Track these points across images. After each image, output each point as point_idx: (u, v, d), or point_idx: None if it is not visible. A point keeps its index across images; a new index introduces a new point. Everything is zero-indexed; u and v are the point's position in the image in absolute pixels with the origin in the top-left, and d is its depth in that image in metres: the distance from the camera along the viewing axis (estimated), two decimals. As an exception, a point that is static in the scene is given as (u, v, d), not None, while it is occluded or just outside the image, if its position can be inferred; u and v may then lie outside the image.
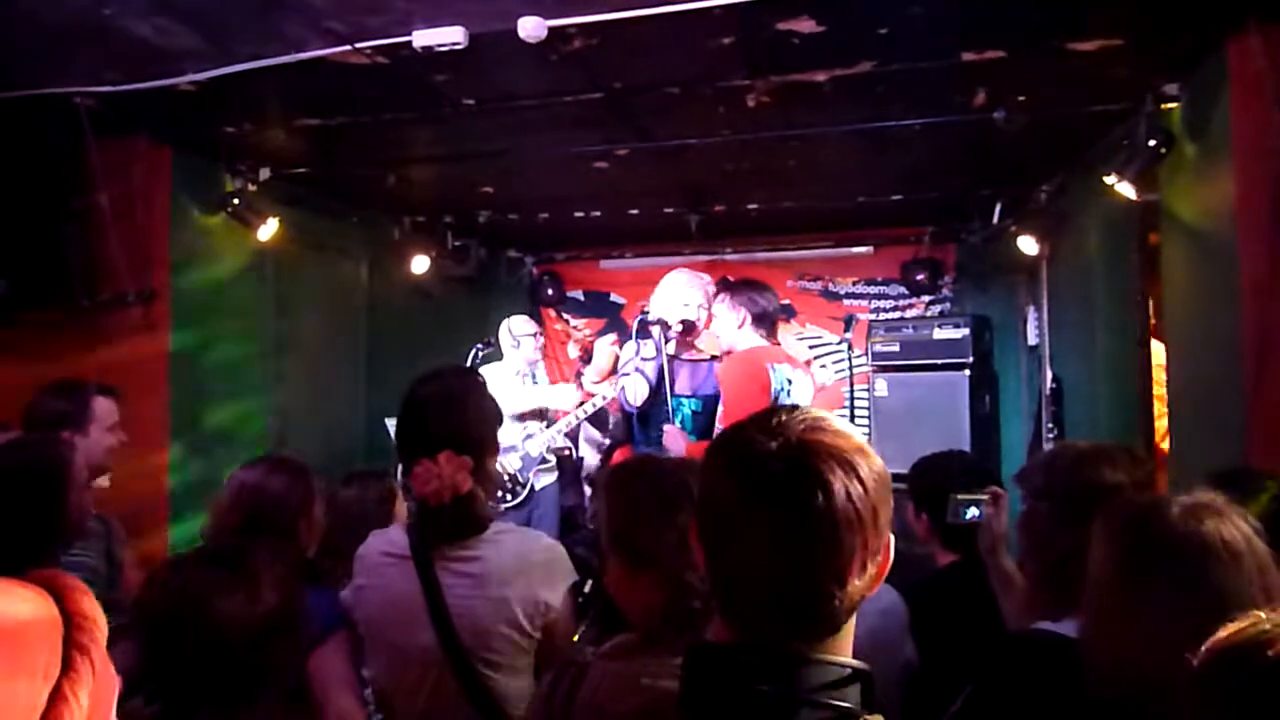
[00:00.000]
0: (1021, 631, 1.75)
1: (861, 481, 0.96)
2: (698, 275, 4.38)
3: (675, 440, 3.93)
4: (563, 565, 1.96)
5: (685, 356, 4.28)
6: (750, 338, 4.02)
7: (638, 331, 4.29)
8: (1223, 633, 0.97)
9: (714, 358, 4.30)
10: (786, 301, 6.89)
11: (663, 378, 4.08)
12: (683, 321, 4.16)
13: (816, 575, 0.95)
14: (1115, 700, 1.33)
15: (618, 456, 4.42)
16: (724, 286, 4.14)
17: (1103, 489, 1.66)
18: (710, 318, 4.23)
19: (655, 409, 4.15)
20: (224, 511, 2.24)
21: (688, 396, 4.10)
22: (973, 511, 2.28)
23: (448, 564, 1.90)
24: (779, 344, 4.18)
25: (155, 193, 4.14)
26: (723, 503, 0.98)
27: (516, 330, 5.27)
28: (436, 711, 1.87)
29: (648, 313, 4.24)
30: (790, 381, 3.97)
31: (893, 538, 1.01)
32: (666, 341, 4.09)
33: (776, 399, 3.83)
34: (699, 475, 1.06)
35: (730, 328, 4.05)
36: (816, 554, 0.94)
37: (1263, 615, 0.96)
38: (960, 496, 2.34)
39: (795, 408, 1.03)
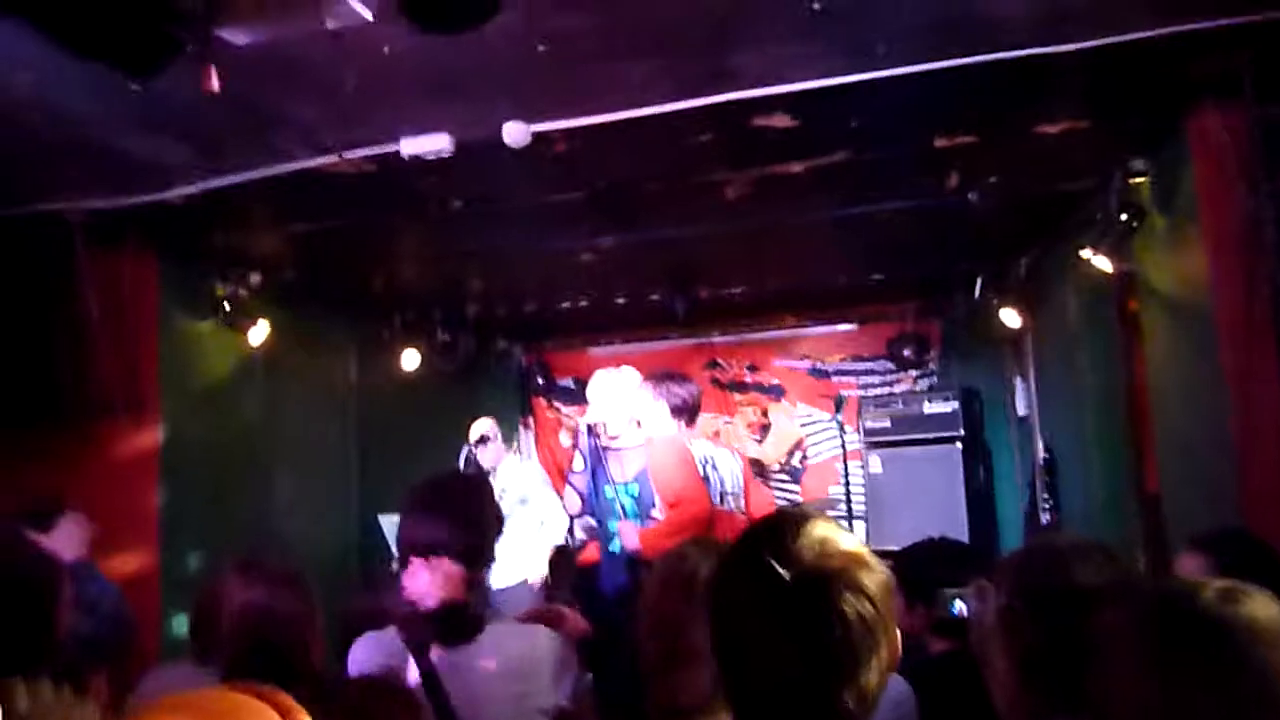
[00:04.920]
0: None
1: (870, 599, 1.05)
2: (621, 370, 4.49)
3: (630, 535, 4.03)
4: (568, 655, 1.97)
5: (626, 445, 4.38)
6: (669, 426, 4.19)
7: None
8: None
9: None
10: (776, 381, 6.93)
11: (594, 482, 4.23)
12: (589, 425, 4.33)
13: (838, 689, 1.03)
14: None
15: (586, 553, 4.59)
16: (647, 378, 4.32)
17: (1077, 590, 1.61)
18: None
19: (595, 509, 4.30)
20: (232, 636, 2.13)
21: (624, 483, 4.17)
22: (959, 605, 2.30)
23: (451, 666, 1.88)
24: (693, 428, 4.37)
25: (143, 302, 4.17)
26: (742, 624, 1.07)
27: (478, 432, 5.22)
28: None
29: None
30: (712, 457, 4.18)
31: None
32: (596, 441, 4.21)
33: (704, 473, 4.05)
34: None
35: (652, 416, 4.22)
36: (837, 673, 1.03)
37: None
38: (948, 591, 2.35)
39: (800, 523, 1.10)
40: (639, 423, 4.30)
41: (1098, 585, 1.60)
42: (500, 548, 4.84)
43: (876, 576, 1.07)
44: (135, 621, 3.55)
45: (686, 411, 4.21)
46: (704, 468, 4.05)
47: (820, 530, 1.10)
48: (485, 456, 5.13)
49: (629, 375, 4.40)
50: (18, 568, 2.10)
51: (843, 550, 1.08)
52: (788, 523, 1.12)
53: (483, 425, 5.24)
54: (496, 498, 4.73)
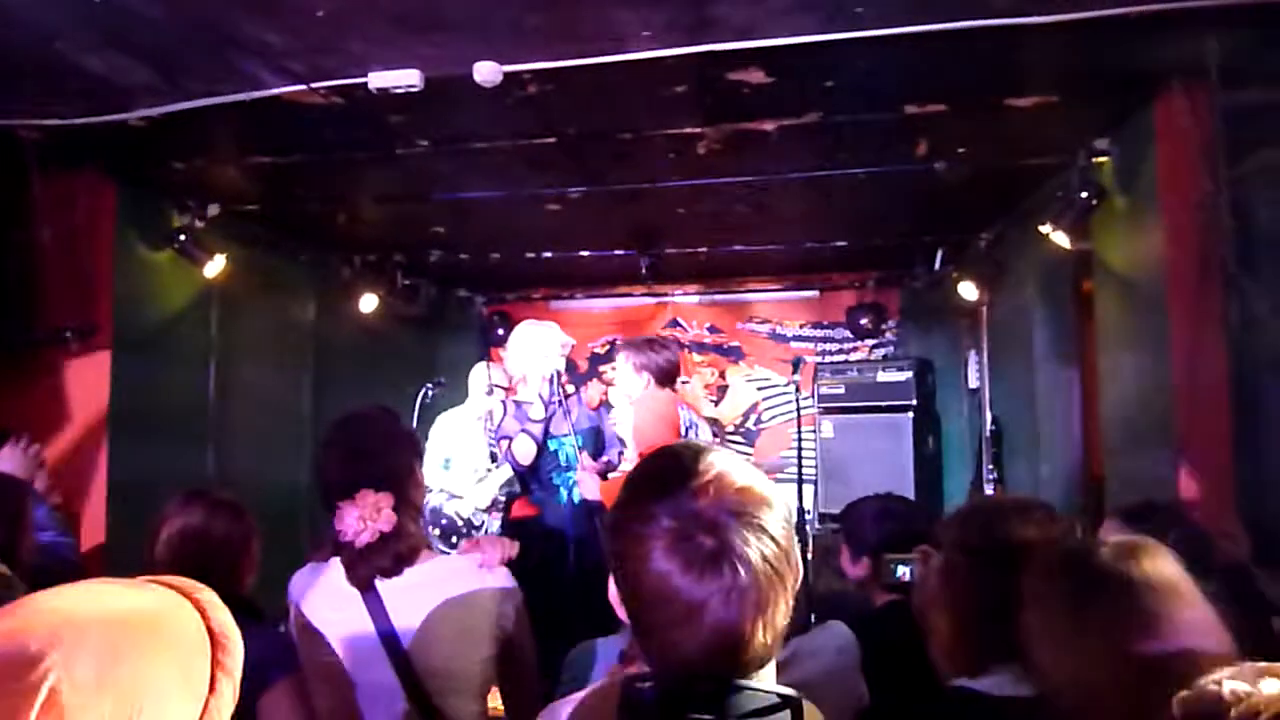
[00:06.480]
0: (943, 691, 1.76)
1: (772, 538, 1.02)
2: (546, 324, 4.42)
3: (589, 483, 3.98)
4: (509, 582, 1.98)
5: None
6: (656, 394, 4.12)
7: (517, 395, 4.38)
8: (1192, 691, 1.01)
9: (577, 391, 4.44)
10: (736, 344, 6.98)
11: (548, 432, 4.17)
12: (556, 371, 4.24)
13: (749, 629, 1.00)
14: None
15: (516, 509, 4.50)
16: (626, 347, 4.21)
17: (1017, 544, 1.66)
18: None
19: (541, 460, 4.25)
20: (166, 558, 2.16)
21: (566, 435, 4.16)
22: (902, 570, 2.36)
23: (394, 597, 1.90)
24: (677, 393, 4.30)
25: (99, 227, 4.08)
26: (642, 575, 1.02)
27: (499, 381, 5.19)
28: None
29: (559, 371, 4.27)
30: (697, 424, 4.17)
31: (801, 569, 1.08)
32: (562, 392, 4.17)
33: (685, 435, 3.98)
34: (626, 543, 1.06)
35: (636, 388, 4.12)
36: (746, 614, 0.99)
37: (1226, 675, 0.99)
38: (890, 556, 2.41)
39: (693, 462, 1.05)
40: (616, 389, 4.26)
41: (1037, 540, 1.65)
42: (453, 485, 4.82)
43: (776, 511, 1.04)
44: (79, 553, 3.51)
45: (673, 376, 4.16)
46: (686, 431, 4.04)
47: (715, 469, 1.05)
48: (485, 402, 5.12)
49: (551, 329, 4.35)
50: None
51: (739, 488, 1.04)
52: (680, 462, 1.07)
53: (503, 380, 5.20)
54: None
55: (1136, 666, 1.28)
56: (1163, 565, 1.36)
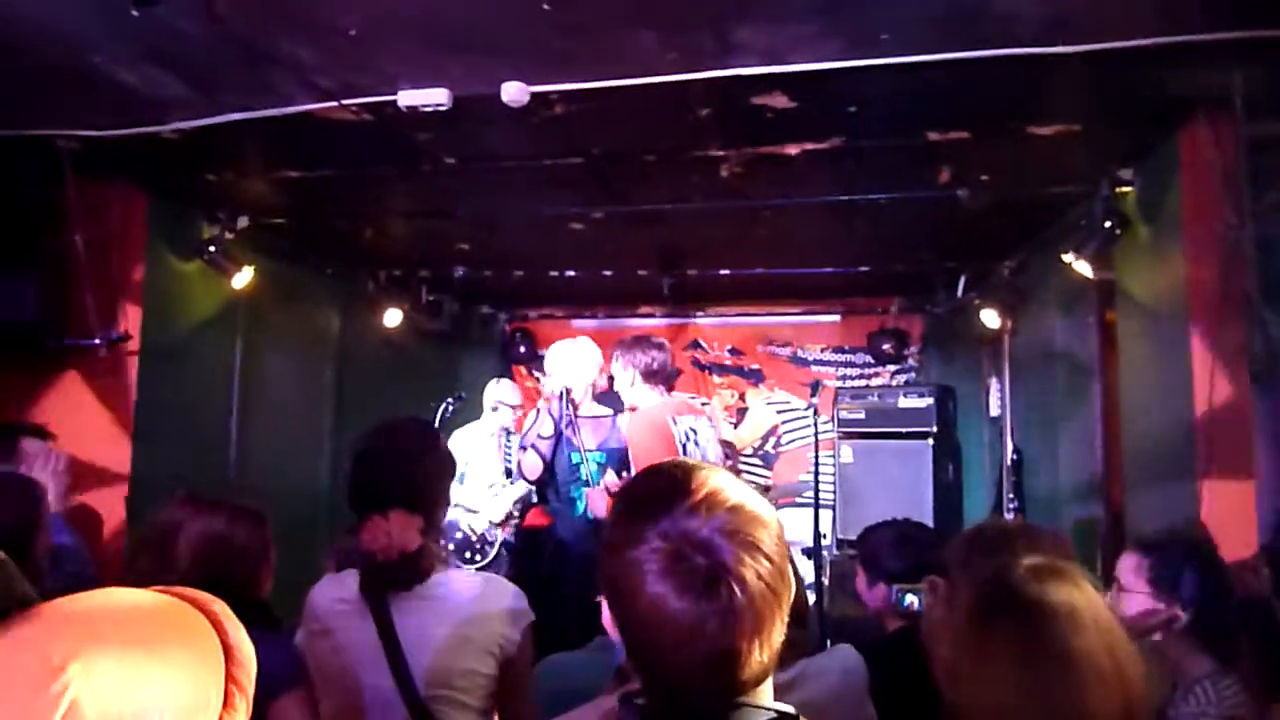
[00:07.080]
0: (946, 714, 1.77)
1: (766, 556, 1.01)
2: (579, 340, 4.44)
3: (598, 501, 4.00)
4: (520, 603, 2.00)
5: (587, 414, 4.36)
6: (645, 394, 4.12)
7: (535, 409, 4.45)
8: None
9: (616, 412, 4.46)
10: (756, 366, 6.98)
11: (556, 449, 4.22)
12: (565, 389, 4.25)
13: (745, 649, 0.99)
14: None
15: (530, 517, 4.55)
16: (618, 345, 4.25)
17: None
18: (609, 378, 4.36)
19: (551, 476, 4.29)
20: (187, 563, 2.17)
21: (592, 451, 4.17)
22: (911, 599, 2.36)
23: (404, 608, 1.92)
24: (671, 397, 4.30)
25: (130, 237, 4.16)
26: (636, 598, 1.01)
27: (505, 398, 5.20)
28: None
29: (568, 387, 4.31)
30: (695, 430, 4.10)
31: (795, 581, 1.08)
32: (572, 409, 4.18)
33: (684, 449, 3.96)
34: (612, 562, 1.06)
35: (624, 384, 4.16)
36: (742, 634, 0.99)
37: None
38: (899, 585, 2.41)
39: (685, 481, 1.05)
40: (620, 395, 4.28)
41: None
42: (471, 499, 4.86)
43: (770, 529, 1.03)
44: (95, 575, 3.55)
45: (660, 375, 4.15)
46: (684, 445, 4.00)
47: (706, 486, 1.04)
48: (495, 418, 5.14)
49: (586, 346, 4.37)
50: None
51: (731, 505, 1.02)
52: (671, 481, 1.06)
53: (513, 397, 5.23)
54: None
55: (1022, 689, 1.29)
56: (1070, 590, 1.37)
